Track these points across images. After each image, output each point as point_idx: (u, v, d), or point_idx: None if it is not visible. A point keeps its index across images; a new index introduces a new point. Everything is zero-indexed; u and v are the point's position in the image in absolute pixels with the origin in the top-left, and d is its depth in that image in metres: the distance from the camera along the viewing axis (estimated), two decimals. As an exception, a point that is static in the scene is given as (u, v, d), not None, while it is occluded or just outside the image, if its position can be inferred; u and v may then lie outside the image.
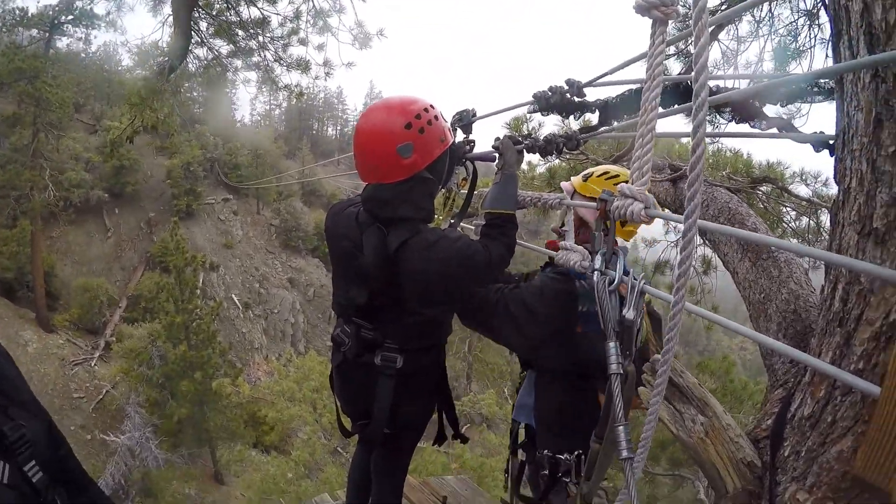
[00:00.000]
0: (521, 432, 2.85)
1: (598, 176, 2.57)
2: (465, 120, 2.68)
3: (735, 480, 1.51)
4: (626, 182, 2.52)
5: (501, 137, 2.51)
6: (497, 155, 2.51)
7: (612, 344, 1.46)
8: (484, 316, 2.47)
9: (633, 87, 2.34)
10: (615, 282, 1.53)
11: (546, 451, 2.51)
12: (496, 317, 2.42)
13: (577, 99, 2.34)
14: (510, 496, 2.97)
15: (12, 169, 27.15)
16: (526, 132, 6.14)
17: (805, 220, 6.89)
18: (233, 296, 35.26)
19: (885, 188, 1.17)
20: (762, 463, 1.52)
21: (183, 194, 37.75)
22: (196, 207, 38.37)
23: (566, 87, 2.31)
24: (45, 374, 25.04)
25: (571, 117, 2.42)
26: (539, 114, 2.43)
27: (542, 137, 2.49)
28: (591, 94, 2.41)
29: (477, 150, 2.63)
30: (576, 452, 2.43)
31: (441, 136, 2.33)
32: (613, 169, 2.62)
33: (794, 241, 6.11)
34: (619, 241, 1.74)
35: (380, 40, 9.56)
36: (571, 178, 2.73)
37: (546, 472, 2.51)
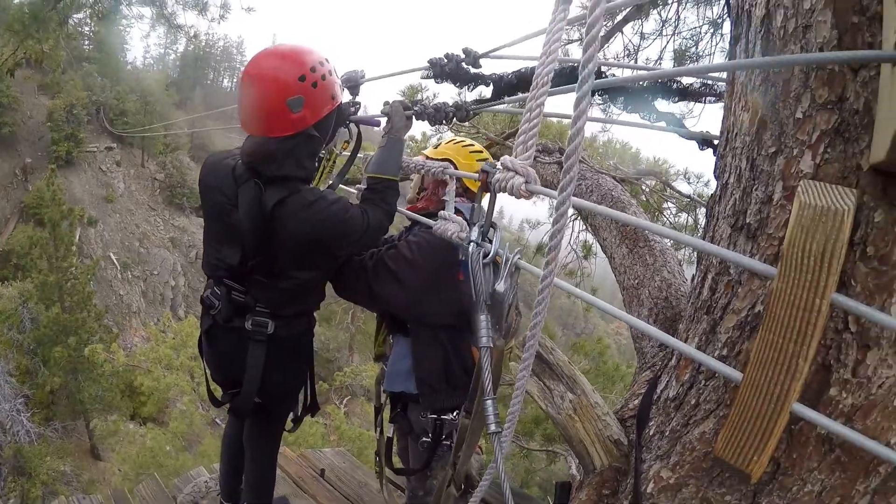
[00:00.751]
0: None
1: (448, 142, 2.65)
2: (354, 81, 2.59)
3: (602, 457, 1.54)
4: (477, 150, 2.61)
5: (391, 101, 2.45)
6: (384, 120, 2.45)
7: (482, 317, 1.44)
8: (361, 283, 2.39)
9: (532, 64, 2.33)
10: (490, 254, 1.51)
11: (430, 413, 2.48)
12: (376, 279, 2.36)
13: (472, 70, 2.30)
14: (380, 471, 2.93)
15: None
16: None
17: (684, 216, 7.35)
18: (111, 254, 32.91)
19: (761, 186, 1.20)
20: (628, 441, 1.56)
21: (63, 139, 34.44)
22: (77, 155, 35.22)
23: (463, 56, 2.27)
24: None
25: (466, 88, 2.39)
26: (434, 82, 2.38)
27: (431, 105, 2.44)
28: (489, 68, 2.38)
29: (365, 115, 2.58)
30: (455, 412, 2.43)
31: (333, 93, 2.23)
32: (460, 138, 2.76)
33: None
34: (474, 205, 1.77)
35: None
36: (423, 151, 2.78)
37: (428, 438, 2.49)
